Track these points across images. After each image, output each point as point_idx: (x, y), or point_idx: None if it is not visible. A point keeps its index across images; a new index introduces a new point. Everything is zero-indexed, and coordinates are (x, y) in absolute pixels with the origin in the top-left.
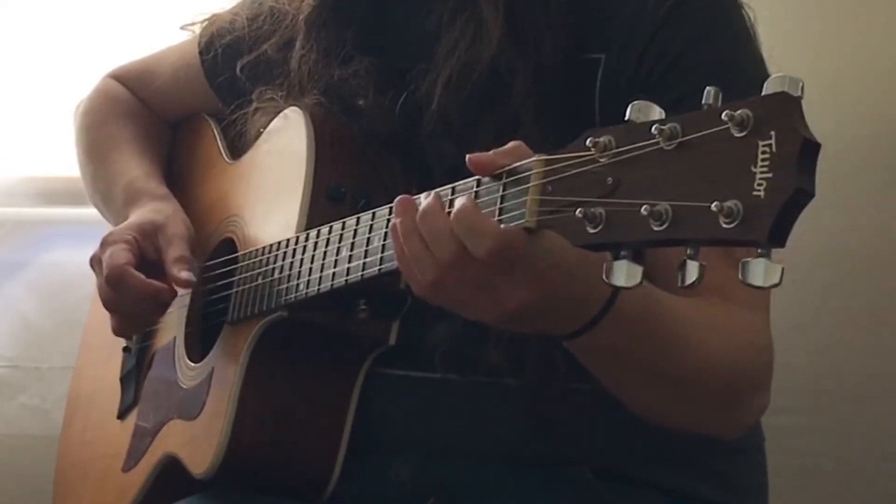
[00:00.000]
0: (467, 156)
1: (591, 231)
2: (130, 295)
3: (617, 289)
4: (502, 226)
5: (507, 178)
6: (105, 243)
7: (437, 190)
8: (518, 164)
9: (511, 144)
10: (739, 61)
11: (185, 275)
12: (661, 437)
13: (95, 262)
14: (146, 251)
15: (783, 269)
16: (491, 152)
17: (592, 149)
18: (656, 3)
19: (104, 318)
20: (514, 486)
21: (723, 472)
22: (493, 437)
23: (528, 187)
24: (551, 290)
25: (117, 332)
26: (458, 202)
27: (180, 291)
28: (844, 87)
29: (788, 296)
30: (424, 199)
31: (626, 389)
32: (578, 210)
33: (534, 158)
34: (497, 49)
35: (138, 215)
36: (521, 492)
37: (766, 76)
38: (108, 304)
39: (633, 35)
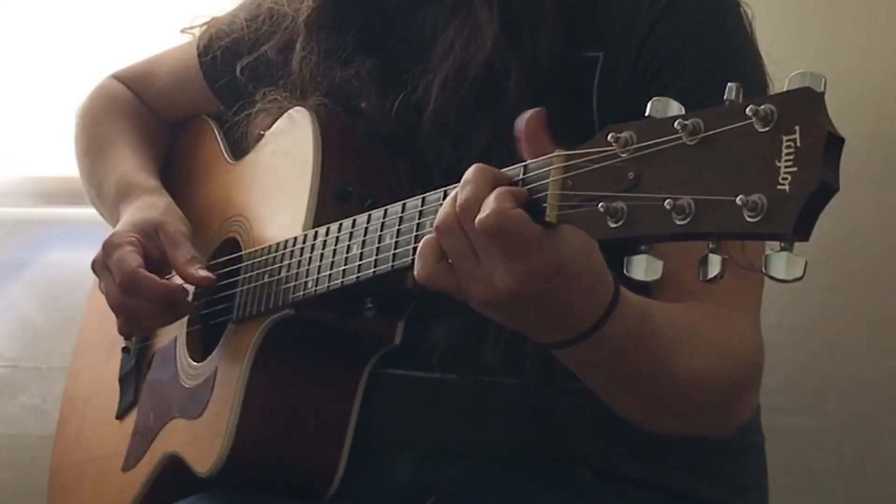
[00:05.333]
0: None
1: (613, 225)
2: (145, 297)
3: (634, 283)
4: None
5: (525, 173)
6: (108, 247)
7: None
8: (537, 159)
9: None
10: (735, 58)
11: (202, 273)
12: (661, 437)
13: (99, 266)
14: (149, 251)
15: (806, 263)
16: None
17: (614, 144)
18: (653, 0)
19: (100, 319)
20: (514, 486)
21: (723, 472)
22: (492, 437)
23: (548, 182)
24: (543, 290)
25: (123, 332)
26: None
27: (189, 289)
28: (844, 87)
29: (789, 296)
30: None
31: (612, 398)
32: (600, 204)
33: (554, 154)
34: (492, 50)
35: (133, 214)
36: (520, 491)
37: (762, 73)
38: (118, 308)
39: (630, 32)
